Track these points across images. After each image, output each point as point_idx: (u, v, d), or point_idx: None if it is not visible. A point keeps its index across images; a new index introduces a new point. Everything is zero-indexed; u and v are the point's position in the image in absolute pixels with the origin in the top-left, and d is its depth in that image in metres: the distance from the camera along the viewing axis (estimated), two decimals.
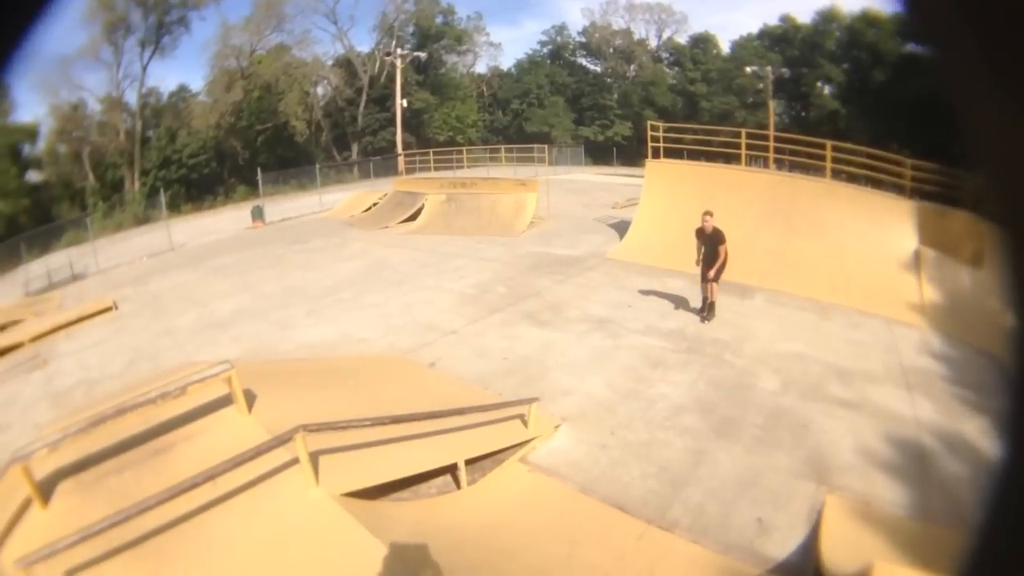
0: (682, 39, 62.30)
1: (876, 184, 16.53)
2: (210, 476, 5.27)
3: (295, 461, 5.72)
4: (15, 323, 17.71)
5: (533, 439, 7.71)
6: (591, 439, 7.87)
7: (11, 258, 30.01)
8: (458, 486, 6.91)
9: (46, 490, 5.98)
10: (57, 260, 26.92)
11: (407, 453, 6.65)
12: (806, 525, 6.11)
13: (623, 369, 9.93)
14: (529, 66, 64.61)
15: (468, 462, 6.99)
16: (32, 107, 59.85)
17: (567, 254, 17.23)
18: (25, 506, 5.96)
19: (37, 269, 26.49)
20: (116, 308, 16.38)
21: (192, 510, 5.37)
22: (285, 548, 5.23)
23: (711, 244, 11.78)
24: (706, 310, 12.13)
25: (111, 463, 6.25)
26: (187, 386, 6.42)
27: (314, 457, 5.82)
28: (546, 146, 36.40)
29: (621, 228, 18.69)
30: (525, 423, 7.83)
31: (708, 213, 11.80)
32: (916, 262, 13.39)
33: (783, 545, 5.90)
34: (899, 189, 15.73)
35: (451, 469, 6.98)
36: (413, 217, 23.57)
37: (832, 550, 5.35)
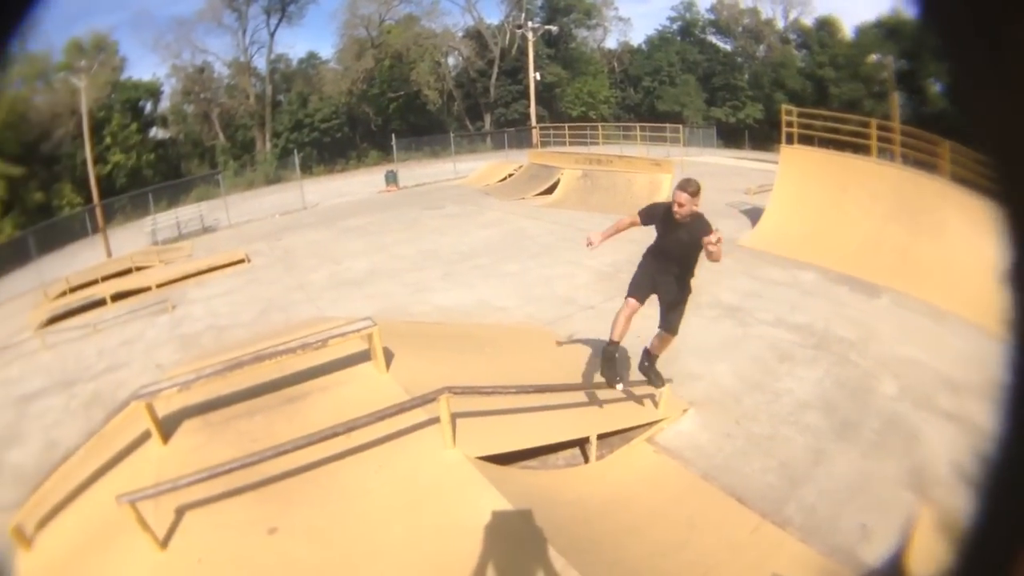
0: (808, 21, 59.52)
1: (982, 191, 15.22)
2: (351, 427, 5.31)
3: (432, 421, 5.71)
4: (142, 268, 18.78)
5: (661, 420, 7.52)
6: (716, 426, 7.66)
7: (138, 209, 31.75)
8: (586, 460, 6.87)
9: (169, 429, 6.25)
10: (187, 213, 28.18)
11: (543, 423, 6.62)
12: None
13: (751, 359, 9.61)
14: (659, 43, 62.58)
15: (598, 437, 6.85)
16: (150, 67, 62.10)
17: None
18: (143, 440, 6.26)
19: (165, 220, 27.64)
20: (248, 261, 16.94)
21: (323, 459, 5.45)
22: (415, 504, 5.23)
23: (683, 237, 6.35)
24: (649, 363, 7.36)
25: (241, 406, 6.48)
26: (328, 339, 6.53)
27: (452, 419, 5.69)
28: (680, 126, 35.48)
29: (753, 215, 18.05)
30: (656, 404, 7.62)
31: (688, 187, 6.19)
32: None
33: (880, 553, 5.73)
34: None
35: (580, 442, 6.93)
36: (549, 191, 23.38)
37: (918, 563, 5.19)
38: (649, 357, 7.28)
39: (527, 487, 5.88)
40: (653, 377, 7.37)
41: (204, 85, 46.38)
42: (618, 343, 6.86)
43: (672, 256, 6.54)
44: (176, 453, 6.02)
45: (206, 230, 25.08)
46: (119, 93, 43.19)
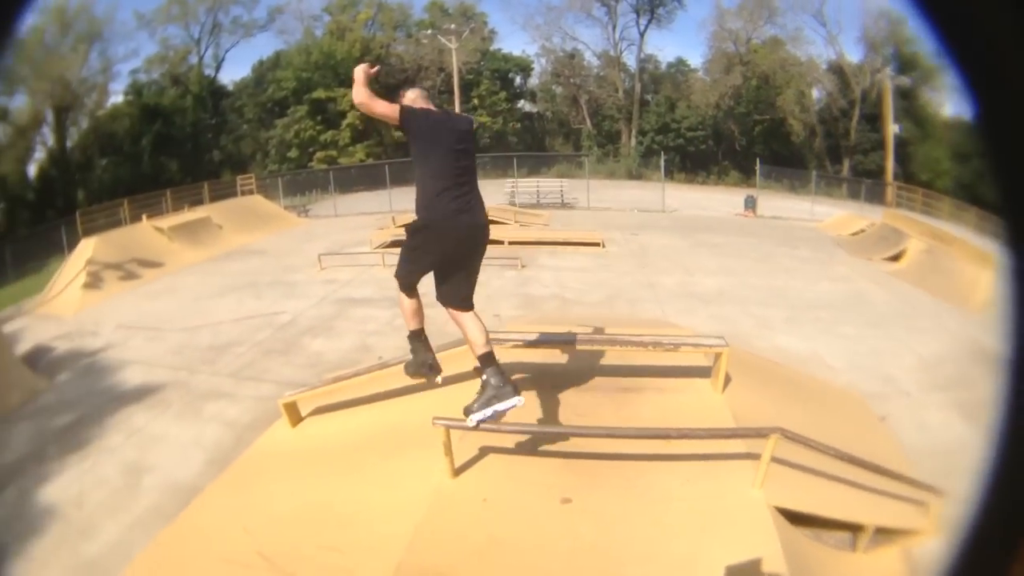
0: None
1: None
2: (683, 435, 5.43)
3: (750, 455, 5.58)
4: (497, 223, 19.40)
5: (925, 533, 6.71)
6: None
7: (498, 169, 33.97)
8: (853, 548, 6.36)
9: None
10: (547, 185, 29.46)
11: (837, 495, 6.26)
12: None
13: None
14: None
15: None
16: (520, 44, 64.59)
17: None
18: (465, 379, 6.43)
19: (525, 186, 29.07)
20: (603, 246, 17.28)
21: (635, 453, 5.53)
22: (704, 528, 5.13)
23: None
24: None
25: (576, 378, 6.66)
26: (681, 345, 6.69)
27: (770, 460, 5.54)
28: None
29: None
30: (926, 513, 6.87)
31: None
32: None
33: None
34: None
35: (853, 527, 6.38)
36: (895, 257, 21.70)
37: None
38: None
39: (805, 556, 5.66)
40: None
41: (574, 71, 48.12)
42: None
43: None
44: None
45: (564, 205, 25.94)
46: (488, 62, 46.21)
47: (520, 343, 6.60)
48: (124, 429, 10.73)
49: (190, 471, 8.87)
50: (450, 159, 5.07)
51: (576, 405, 6.19)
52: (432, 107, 5.34)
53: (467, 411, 5.34)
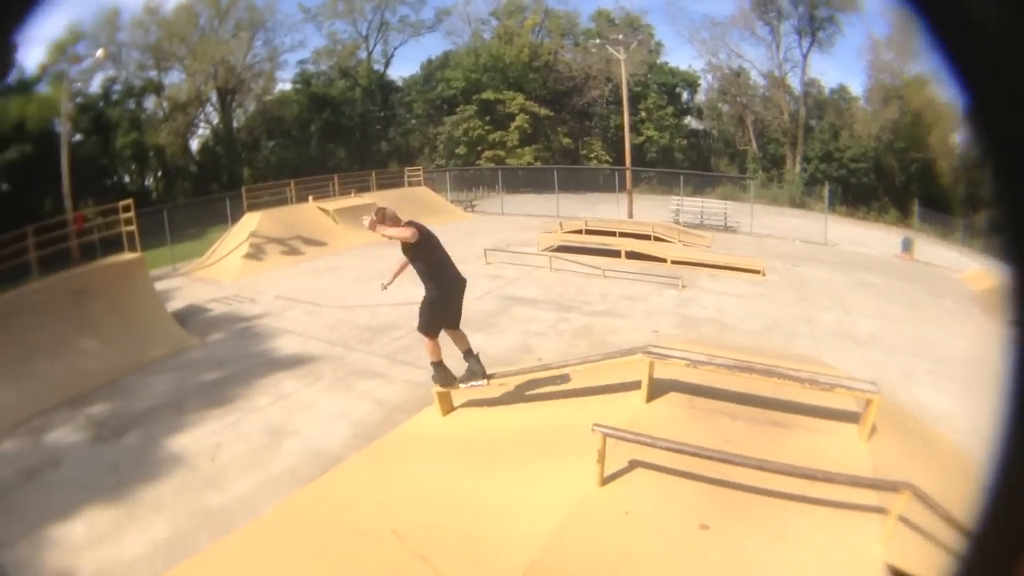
0: None
1: None
2: (829, 478, 5.29)
3: (879, 509, 5.37)
4: (661, 240, 19.50)
5: None
6: None
7: (663, 185, 34.19)
8: None
9: (655, 391, 6.73)
10: (712, 206, 28.95)
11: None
12: None
13: None
14: None
15: None
16: (686, 58, 63.40)
17: None
18: (628, 388, 6.92)
19: (690, 205, 28.80)
20: (763, 274, 17.04)
21: (775, 490, 5.46)
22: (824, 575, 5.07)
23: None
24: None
25: (727, 406, 6.68)
26: (836, 386, 6.60)
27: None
28: None
29: None
30: None
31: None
32: None
33: None
34: None
35: None
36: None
37: None
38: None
39: None
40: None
41: (740, 89, 47.24)
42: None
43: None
44: (653, 414, 6.44)
45: (727, 228, 25.68)
46: (655, 75, 45.63)
47: (682, 361, 6.63)
48: (272, 393, 11.30)
49: (334, 441, 9.26)
50: (441, 247, 8.20)
51: (727, 431, 6.24)
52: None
53: (460, 381, 8.60)
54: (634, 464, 5.72)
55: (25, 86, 37.53)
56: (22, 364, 13.74)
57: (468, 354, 8.58)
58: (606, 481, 5.62)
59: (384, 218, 8.02)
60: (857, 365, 11.58)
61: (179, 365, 13.62)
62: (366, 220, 7.95)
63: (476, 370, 8.55)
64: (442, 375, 8.59)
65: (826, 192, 30.97)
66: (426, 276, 8.17)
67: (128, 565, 7.16)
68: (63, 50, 36.58)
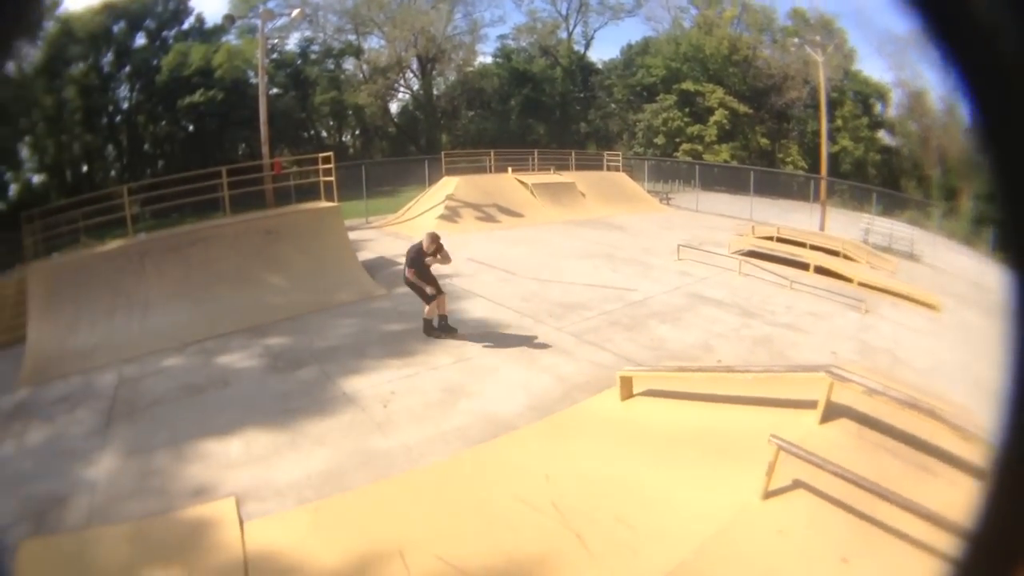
0: None
1: None
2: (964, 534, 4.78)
3: None
4: (850, 259, 19.18)
5: None
6: None
7: (853, 200, 33.70)
8: None
9: (830, 413, 6.53)
10: (901, 230, 28.12)
11: None
12: None
13: None
14: None
15: None
16: (878, 69, 60.49)
17: None
18: (804, 405, 6.75)
19: (880, 225, 28.05)
20: (938, 311, 16.56)
21: (911, 536, 5.16)
22: None
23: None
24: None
25: (891, 441, 6.37)
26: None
27: None
28: None
29: None
30: None
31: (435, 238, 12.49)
32: None
33: None
34: None
35: None
36: None
37: None
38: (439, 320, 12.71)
39: None
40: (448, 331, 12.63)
41: (923, 110, 45.41)
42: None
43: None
44: (824, 437, 6.24)
45: (911, 256, 24.98)
46: (851, 82, 43.99)
47: (861, 387, 6.27)
48: (454, 354, 11.64)
49: (509, 409, 9.39)
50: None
51: (886, 467, 5.92)
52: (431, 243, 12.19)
53: (432, 332, 12.46)
54: (796, 483, 5.74)
55: (205, 35, 40.71)
56: (203, 288, 14.68)
57: (445, 318, 12.60)
58: (768, 495, 5.71)
59: (439, 248, 12.11)
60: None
61: (364, 312, 14.43)
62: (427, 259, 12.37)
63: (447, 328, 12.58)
64: (435, 325, 12.55)
65: (992, 237, 29.73)
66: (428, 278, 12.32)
67: (277, 488, 7.67)
68: (251, 4, 38.80)
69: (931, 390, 9.77)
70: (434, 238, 12.12)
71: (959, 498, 5.45)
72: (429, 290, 12.09)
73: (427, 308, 12.29)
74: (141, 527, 7.04)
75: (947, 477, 6.07)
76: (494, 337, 12.47)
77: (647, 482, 6.49)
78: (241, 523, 6.93)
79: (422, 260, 12.07)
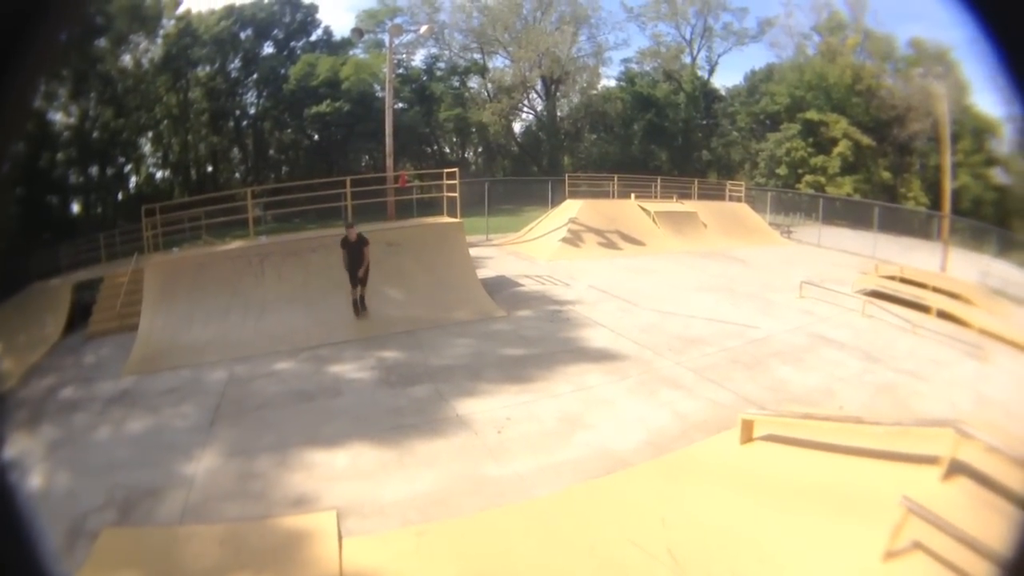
0: None
1: None
2: None
3: None
4: (968, 302, 18.84)
5: None
6: None
7: (973, 240, 33.05)
8: None
9: (952, 469, 6.22)
10: (1015, 274, 27.18)
11: None
12: None
13: None
14: None
15: None
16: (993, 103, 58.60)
17: None
18: (926, 461, 6.48)
19: (998, 268, 27.13)
20: None
21: None
22: None
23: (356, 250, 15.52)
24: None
25: (1005, 503, 5.82)
26: None
27: None
28: None
29: None
30: None
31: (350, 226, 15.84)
32: None
33: None
34: None
35: None
36: None
37: None
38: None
39: None
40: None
41: None
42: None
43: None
44: (944, 496, 5.96)
45: (1020, 302, 24.14)
46: (968, 117, 42.64)
47: (985, 444, 6.18)
48: (574, 382, 11.64)
49: (626, 444, 9.30)
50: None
51: (999, 529, 4.67)
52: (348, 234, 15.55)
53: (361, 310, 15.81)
54: (916, 545, 5.56)
55: (333, 47, 42.64)
56: (320, 296, 15.42)
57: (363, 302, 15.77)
58: (889, 556, 5.56)
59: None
60: None
61: (482, 333, 14.57)
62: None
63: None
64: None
65: None
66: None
67: (381, 506, 7.66)
68: (378, 19, 41.31)
69: None
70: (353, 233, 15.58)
71: None
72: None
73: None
74: (235, 530, 7.15)
75: None
76: (614, 368, 12.48)
77: (766, 535, 6.34)
78: (340, 538, 6.98)
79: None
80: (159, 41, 37.57)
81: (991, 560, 4.58)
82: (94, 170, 36.07)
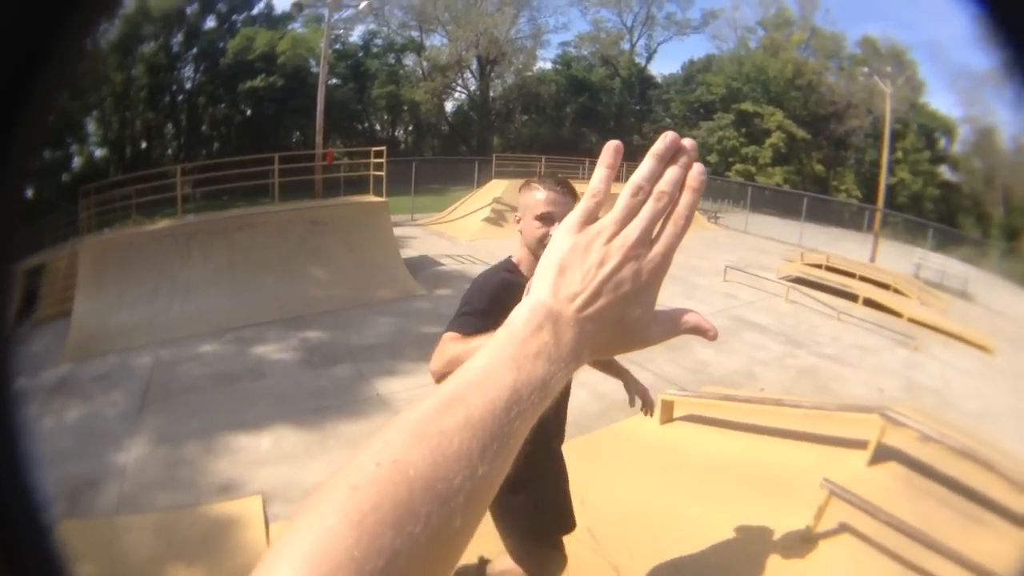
0: None
1: None
2: None
3: None
4: (900, 293, 18.96)
5: None
6: None
7: (907, 233, 33.45)
8: None
9: (878, 455, 6.25)
10: (955, 268, 27.76)
11: None
12: None
13: None
14: None
15: None
16: (947, 103, 59.84)
17: None
18: (851, 445, 6.51)
19: (935, 261, 27.82)
20: (992, 354, 16.12)
21: None
22: None
23: None
24: None
25: (941, 489, 6.12)
26: None
27: None
28: None
29: None
30: None
31: None
32: None
33: None
34: None
35: None
36: None
37: None
38: None
39: None
40: None
41: (992, 148, 44.46)
42: None
43: None
44: (871, 481, 5.98)
45: (963, 295, 24.49)
46: (916, 114, 43.49)
47: (915, 432, 6.12)
48: None
49: None
50: None
51: (933, 516, 5.64)
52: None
53: None
54: (842, 527, 5.45)
55: (273, 21, 41.27)
56: (245, 275, 14.85)
57: None
58: (813, 537, 5.44)
59: None
60: None
61: (403, 311, 14.39)
62: None
63: None
64: None
65: None
66: None
67: (305, 489, 7.08)
68: None
69: (981, 436, 9.50)
70: None
71: (1008, 551, 5.48)
72: None
73: None
74: (167, 519, 7.01)
75: (997, 529, 5.89)
76: None
77: (688, 515, 6.21)
78: (267, 523, 6.85)
79: None
80: (116, 22, 36.14)
81: (923, 544, 4.79)
82: (48, 154, 34.44)
